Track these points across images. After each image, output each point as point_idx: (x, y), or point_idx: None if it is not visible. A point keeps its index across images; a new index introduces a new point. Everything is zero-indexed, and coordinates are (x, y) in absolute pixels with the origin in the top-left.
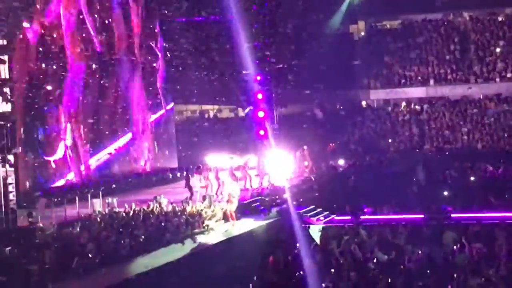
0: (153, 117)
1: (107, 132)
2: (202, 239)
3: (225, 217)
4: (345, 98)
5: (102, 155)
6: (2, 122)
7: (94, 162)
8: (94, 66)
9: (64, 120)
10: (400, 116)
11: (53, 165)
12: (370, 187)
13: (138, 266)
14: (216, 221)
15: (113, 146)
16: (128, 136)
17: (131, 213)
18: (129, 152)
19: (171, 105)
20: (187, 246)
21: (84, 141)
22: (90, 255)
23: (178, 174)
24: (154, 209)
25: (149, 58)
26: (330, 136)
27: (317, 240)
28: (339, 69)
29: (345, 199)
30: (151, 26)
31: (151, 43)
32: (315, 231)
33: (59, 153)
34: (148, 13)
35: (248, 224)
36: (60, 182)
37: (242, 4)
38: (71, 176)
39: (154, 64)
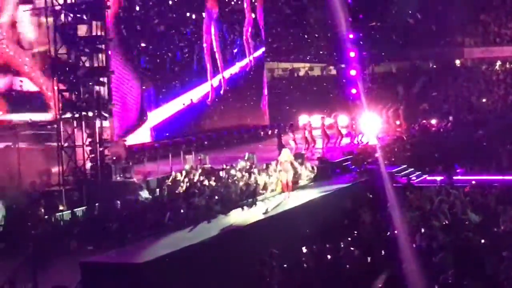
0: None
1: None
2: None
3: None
4: (438, 56)
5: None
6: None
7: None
8: None
9: None
10: (494, 75)
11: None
12: (463, 147)
13: (227, 223)
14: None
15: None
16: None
17: (224, 172)
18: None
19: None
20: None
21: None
22: (182, 211)
23: (270, 132)
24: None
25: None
26: (423, 95)
27: (408, 200)
28: (433, 26)
29: (438, 159)
30: None
31: None
32: (406, 190)
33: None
34: None
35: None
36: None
37: None
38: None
39: None
